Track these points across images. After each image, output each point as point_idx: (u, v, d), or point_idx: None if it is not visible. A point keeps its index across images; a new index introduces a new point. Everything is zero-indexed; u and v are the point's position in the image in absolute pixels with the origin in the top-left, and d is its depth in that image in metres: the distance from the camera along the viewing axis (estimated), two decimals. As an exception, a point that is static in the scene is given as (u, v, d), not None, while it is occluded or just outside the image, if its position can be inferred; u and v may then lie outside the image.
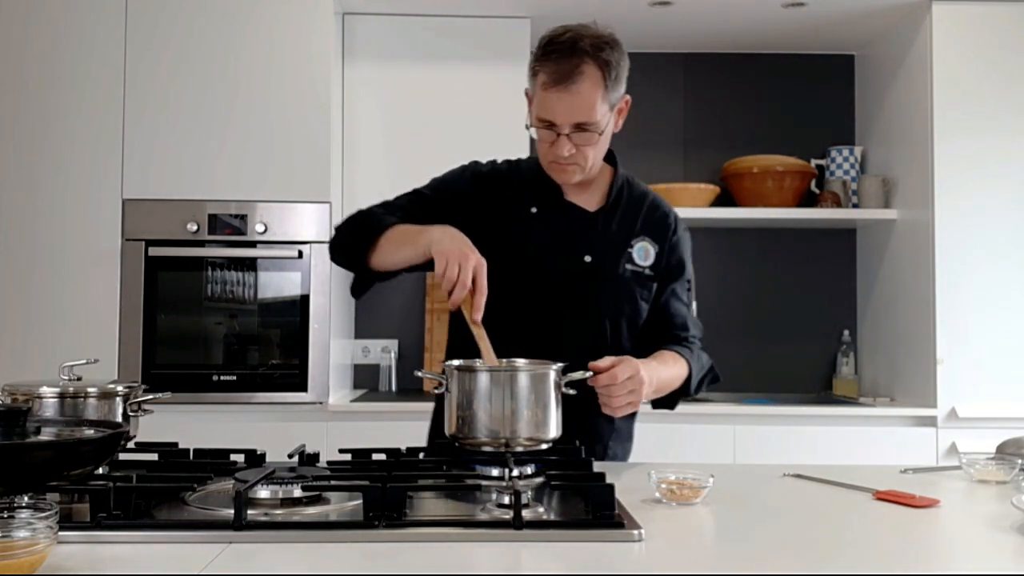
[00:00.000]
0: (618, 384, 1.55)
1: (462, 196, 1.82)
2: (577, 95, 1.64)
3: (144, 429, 1.58)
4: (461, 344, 1.72)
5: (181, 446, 1.58)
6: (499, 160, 1.89)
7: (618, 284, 1.78)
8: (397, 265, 1.70)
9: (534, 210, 1.79)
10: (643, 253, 1.80)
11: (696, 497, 1.36)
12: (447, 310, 1.75)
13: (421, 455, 1.59)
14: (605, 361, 1.57)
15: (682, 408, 3.19)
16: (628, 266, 1.79)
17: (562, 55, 1.64)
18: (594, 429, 1.78)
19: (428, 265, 1.62)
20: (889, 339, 3.57)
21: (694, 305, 1.94)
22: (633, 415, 1.88)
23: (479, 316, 1.53)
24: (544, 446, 1.50)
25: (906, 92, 3.46)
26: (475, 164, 1.88)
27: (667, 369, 1.75)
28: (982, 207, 3.23)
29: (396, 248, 1.68)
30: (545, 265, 1.76)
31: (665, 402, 1.83)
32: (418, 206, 1.80)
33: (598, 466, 1.52)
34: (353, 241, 1.76)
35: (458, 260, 1.51)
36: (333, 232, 1.84)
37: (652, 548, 1.12)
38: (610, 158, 1.86)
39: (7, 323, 3.09)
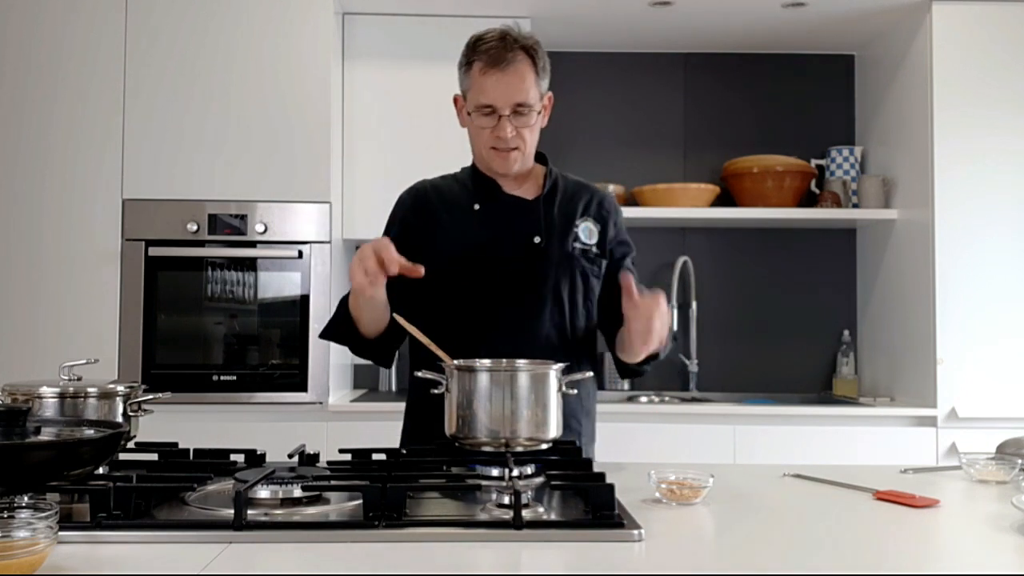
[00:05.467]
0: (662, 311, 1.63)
1: (408, 221, 1.91)
2: (514, 74, 1.75)
3: (144, 429, 1.58)
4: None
5: (181, 446, 1.58)
6: (429, 177, 1.98)
7: (570, 262, 1.85)
8: (380, 320, 1.75)
9: (476, 207, 1.87)
10: (588, 232, 1.89)
11: (696, 497, 1.36)
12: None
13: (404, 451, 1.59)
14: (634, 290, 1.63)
15: (682, 408, 3.23)
16: (576, 244, 1.86)
17: (493, 45, 1.78)
18: (565, 406, 1.78)
19: (416, 306, 1.70)
20: (889, 339, 3.57)
21: None
22: (594, 390, 1.94)
23: (396, 269, 1.57)
24: (544, 446, 1.50)
25: (906, 92, 3.46)
26: (404, 192, 1.97)
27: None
28: (982, 207, 3.23)
29: (360, 310, 1.75)
30: (498, 251, 1.83)
31: (633, 370, 1.88)
32: None
33: (598, 466, 1.53)
34: (341, 333, 1.83)
35: (357, 264, 1.56)
36: (322, 335, 1.90)
37: (652, 548, 1.12)
38: (540, 158, 1.94)
39: (7, 323, 3.09)
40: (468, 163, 1.97)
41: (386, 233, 1.94)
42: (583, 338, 1.88)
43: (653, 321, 1.62)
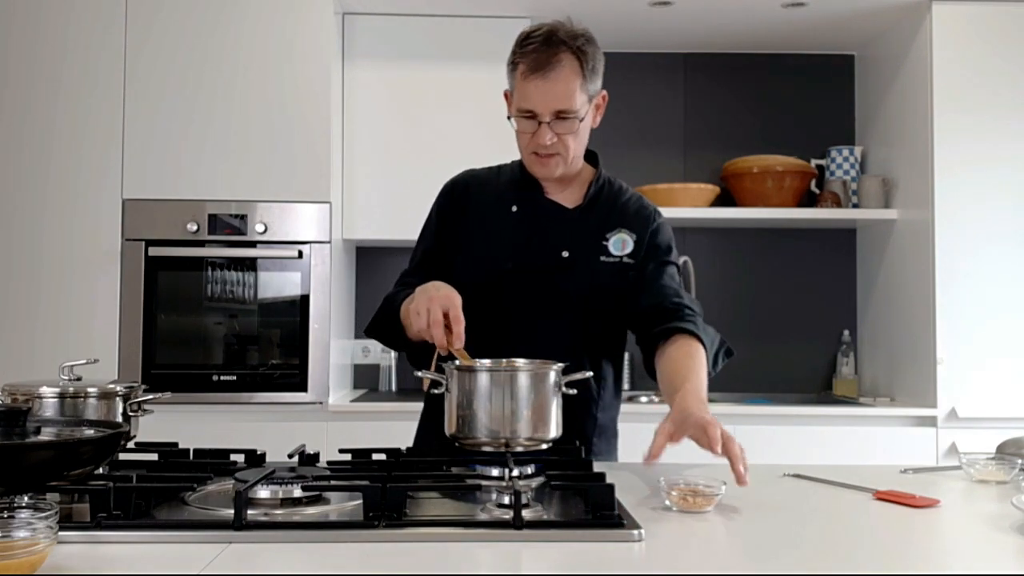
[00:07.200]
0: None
1: (444, 214, 1.87)
2: (556, 82, 1.68)
3: (144, 429, 1.58)
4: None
5: (181, 446, 1.58)
6: (478, 168, 1.93)
7: (594, 278, 1.79)
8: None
9: (514, 209, 1.82)
10: (620, 244, 1.81)
11: (708, 505, 1.32)
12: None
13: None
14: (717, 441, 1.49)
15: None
16: (603, 259, 1.80)
17: (539, 46, 1.69)
18: (576, 425, 1.77)
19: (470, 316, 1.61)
20: (889, 339, 3.57)
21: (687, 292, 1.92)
22: (616, 411, 1.90)
23: (461, 344, 1.54)
24: (544, 446, 1.50)
25: (906, 92, 3.46)
26: (448, 182, 1.92)
27: (699, 378, 1.67)
28: (982, 207, 3.23)
29: (409, 322, 1.67)
30: (523, 261, 1.78)
31: None
32: (428, 257, 1.86)
33: (599, 466, 1.52)
34: (387, 336, 1.79)
35: (425, 307, 1.53)
36: (367, 331, 1.86)
37: (652, 548, 1.12)
38: (593, 159, 1.88)
39: (7, 323, 3.09)
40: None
41: (424, 225, 1.90)
42: (604, 355, 1.82)
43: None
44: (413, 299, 1.60)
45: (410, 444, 1.86)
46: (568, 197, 1.84)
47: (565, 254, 1.78)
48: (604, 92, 1.79)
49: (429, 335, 1.53)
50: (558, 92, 1.68)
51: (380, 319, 1.81)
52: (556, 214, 1.81)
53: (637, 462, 1.78)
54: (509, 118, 1.76)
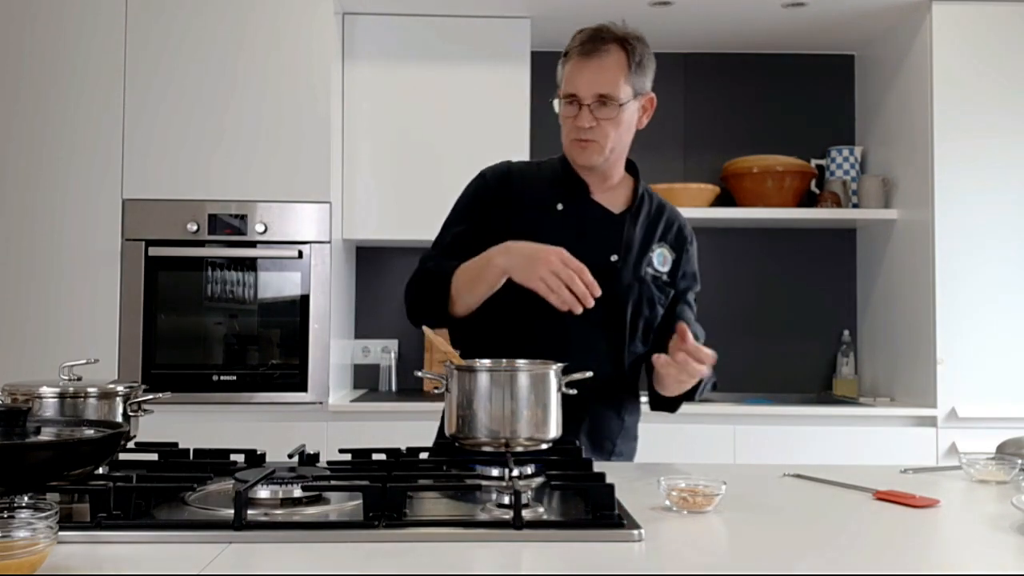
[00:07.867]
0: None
1: (487, 202, 1.83)
2: (601, 66, 1.73)
3: (144, 429, 1.58)
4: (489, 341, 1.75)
5: (181, 446, 1.58)
6: (514, 160, 1.92)
7: (640, 286, 1.80)
8: (478, 303, 1.70)
9: (560, 207, 1.81)
10: (662, 259, 1.84)
11: (709, 505, 1.31)
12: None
13: (423, 455, 1.59)
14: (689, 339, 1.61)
15: (682, 408, 3.21)
16: (648, 270, 1.82)
17: (589, 36, 1.75)
18: (604, 426, 1.79)
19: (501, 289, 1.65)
20: (889, 339, 3.57)
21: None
22: (638, 415, 1.90)
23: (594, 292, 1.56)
24: (544, 446, 1.50)
25: (906, 92, 3.46)
26: (487, 169, 1.89)
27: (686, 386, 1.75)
28: (982, 207, 3.23)
29: (470, 290, 1.68)
30: None
31: (667, 404, 1.82)
32: (460, 240, 1.80)
33: (603, 466, 1.52)
34: (428, 301, 1.75)
35: (552, 274, 1.55)
36: (405, 301, 1.82)
37: (652, 548, 1.12)
38: (632, 169, 1.90)
39: (7, 323, 3.09)
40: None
41: (455, 209, 1.86)
42: (636, 364, 1.83)
43: (686, 377, 1.61)
44: (504, 267, 1.61)
45: (410, 444, 1.86)
46: (613, 201, 1.84)
47: (614, 258, 1.78)
48: (653, 96, 1.81)
49: (569, 301, 1.55)
50: (602, 76, 1.72)
51: (423, 289, 1.76)
52: (603, 217, 1.82)
53: (640, 462, 1.78)
54: (552, 101, 1.78)
